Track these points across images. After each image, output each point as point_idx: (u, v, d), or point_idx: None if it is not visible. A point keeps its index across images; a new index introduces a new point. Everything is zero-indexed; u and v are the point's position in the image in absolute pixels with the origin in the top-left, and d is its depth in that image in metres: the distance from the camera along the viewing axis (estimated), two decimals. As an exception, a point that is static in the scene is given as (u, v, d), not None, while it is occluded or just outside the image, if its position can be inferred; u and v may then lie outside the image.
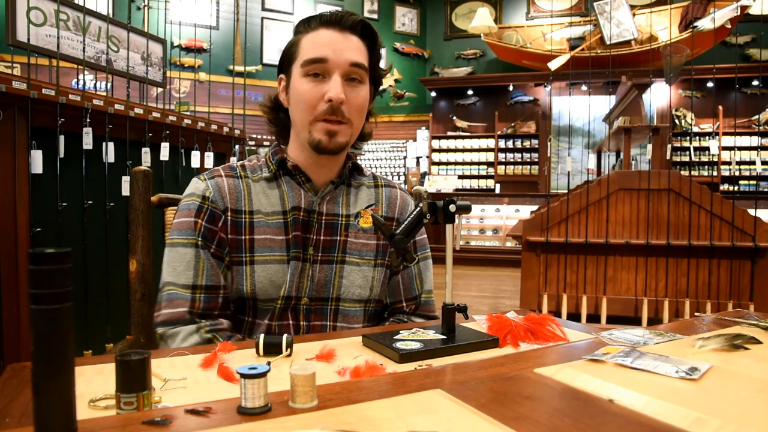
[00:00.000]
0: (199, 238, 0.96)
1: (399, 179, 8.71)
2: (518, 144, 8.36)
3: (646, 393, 0.51)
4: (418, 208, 0.88)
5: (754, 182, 7.25)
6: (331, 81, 0.96)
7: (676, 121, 7.52)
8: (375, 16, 8.82)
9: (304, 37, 0.99)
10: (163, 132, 2.72)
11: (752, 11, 6.55)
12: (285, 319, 0.99)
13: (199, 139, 3.00)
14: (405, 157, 8.81)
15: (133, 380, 0.51)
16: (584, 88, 7.04)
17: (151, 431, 0.43)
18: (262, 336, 0.76)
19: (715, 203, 3.40)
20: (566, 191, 3.91)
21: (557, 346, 0.75)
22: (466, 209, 0.88)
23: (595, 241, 3.51)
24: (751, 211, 3.37)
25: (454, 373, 0.60)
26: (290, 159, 1.03)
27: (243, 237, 0.98)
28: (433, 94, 8.65)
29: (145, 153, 2.62)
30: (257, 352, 0.75)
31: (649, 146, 4.01)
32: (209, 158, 3.01)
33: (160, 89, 3.81)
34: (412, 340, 0.78)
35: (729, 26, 6.63)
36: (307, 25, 1.00)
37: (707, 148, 7.41)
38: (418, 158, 8.76)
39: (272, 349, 0.74)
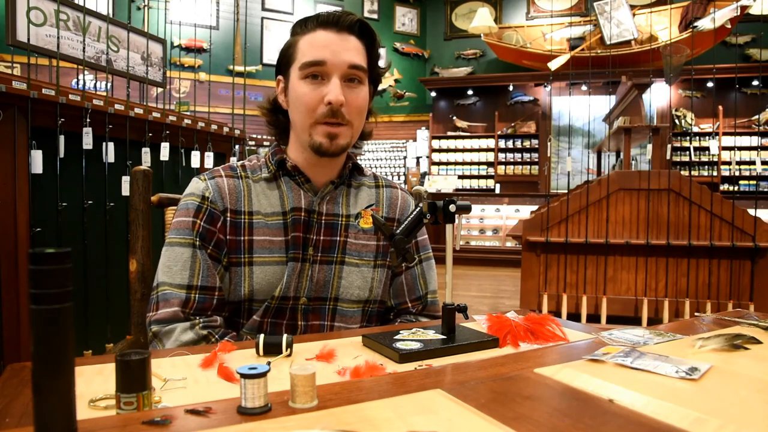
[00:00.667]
0: (197, 239, 0.96)
1: (399, 179, 8.71)
2: (518, 144, 8.36)
3: (646, 393, 0.51)
4: (418, 208, 0.88)
5: (754, 182, 7.24)
6: (330, 83, 0.95)
7: (676, 121, 7.52)
8: (375, 16, 8.82)
9: (301, 38, 0.99)
10: (163, 132, 2.72)
11: (752, 11, 6.55)
12: (280, 318, 0.99)
13: (199, 139, 3.00)
14: (405, 157, 8.81)
15: (133, 380, 0.51)
16: (584, 88, 7.04)
17: (151, 431, 0.43)
18: (262, 336, 0.76)
19: (715, 203, 3.40)
20: (566, 191, 3.91)
21: (557, 346, 0.75)
22: (466, 209, 0.88)
23: (595, 241, 3.51)
24: (751, 211, 3.37)
25: (454, 373, 0.60)
26: (290, 159, 1.03)
27: (242, 238, 0.98)
28: (433, 94, 8.65)
29: (145, 153, 2.62)
30: (257, 352, 0.75)
31: (649, 146, 4.01)
32: (209, 158, 3.01)
33: (160, 89, 3.81)
34: (412, 340, 0.78)
35: (729, 26, 6.63)
36: (304, 26, 0.99)
37: (707, 148, 7.41)
38: (418, 158, 8.76)
39: (272, 349, 0.74)
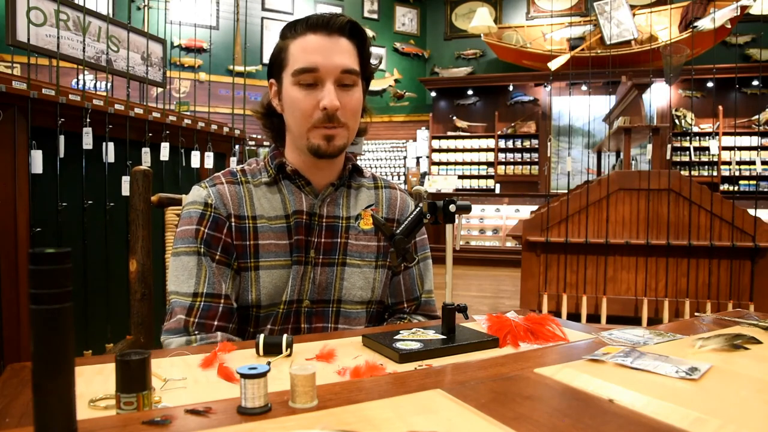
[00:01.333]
0: (202, 246, 0.95)
1: (399, 179, 8.71)
2: (518, 144, 8.36)
3: (646, 393, 0.51)
4: (418, 208, 0.88)
5: (754, 182, 7.24)
6: (324, 89, 0.95)
7: (676, 121, 7.52)
8: (375, 16, 8.82)
9: (291, 42, 0.97)
10: (163, 132, 2.72)
11: (752, 11, 6.55)
12: (287, 323, 0.99)
13: (199, 139, 3.00)
14: (405, 157, 8.81)
15: (133, 380, 0.51)
16: (584, 88, 7.04)
17: (151, 431, 0.43)
18: (262, 336, 0.76)
19: (715, 203, 3.40)
20: (566, 191, 3.91)
21: (557, 346, 0.75)
22: (466, 209, 0.88)
23: (595, 241, 3.51)
24: (751, 211, 3.37)
25: (454, 373, 0.60)
26: (289, 163, 1.03)
27: (247, 243, 0.98)
28: (433, 94, 8.65)
29: (145, 153, 2.62)
30: (257, 352, 0.75)
31: (649, 146, 4.01)
32: (209, 158, 3.01)
33: (160, 89, 3.81)
34: (412, 340, 0.78)
35: (729, 26, 6.63)
36: (293, 29, 0.98)
37: (707, 148, 7.41)
38: (418, 158, 8.76)
39: (272, 349, 0.74)
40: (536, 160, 8.27)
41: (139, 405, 0.51)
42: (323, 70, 0.94)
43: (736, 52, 7.40)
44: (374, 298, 1.06)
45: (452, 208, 0.85)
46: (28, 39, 2.42)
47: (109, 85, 3.43)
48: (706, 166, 7.52)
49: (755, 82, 7.20)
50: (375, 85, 8.67)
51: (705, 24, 6.18)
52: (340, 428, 0.43)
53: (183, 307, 0.93)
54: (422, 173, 8.59)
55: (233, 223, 0.98)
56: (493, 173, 8.41)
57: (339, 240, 1.03)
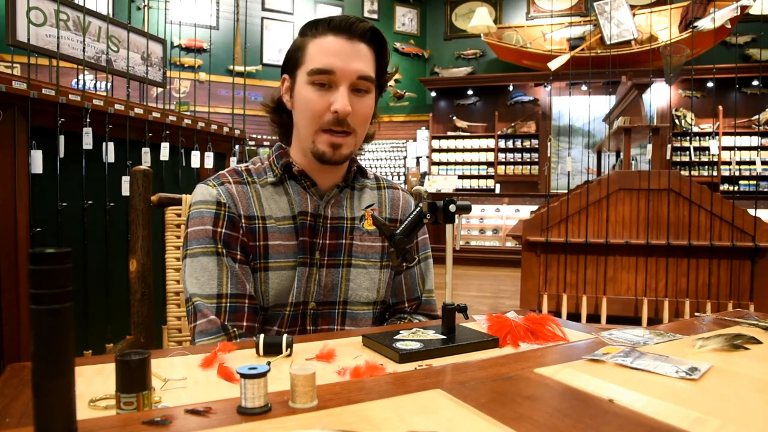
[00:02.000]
0: (222, 246, 0.94)
1: (399, 179, 8.71)
2: (518, 144, 8.36)
3: (646, 393, 0.51)
4: (418, 208, 0.88)
5: (754, 182, 7.24)
6: (337, 92, 0.93)
7: (676, 121, 7.52)
8: (375, 16, 8.82)
9: (311, 41, 0.96)
10: (163, 132, 2.72)
11: (752, 11, 6.55)
12: (294, 326, 0.98)
13: (199, 139, 3.00)
14: (405, 157, 8.81)
15: (133, 380, 0.51)
16: (584, 88, 7.03)
17: (151, 431, 0.43)
18: (262, 336, 0.75)
19: (715, 203, 3.40)
20: (566, 191, 3.91)
21: (557, 346, 0.75)
22: (466, 209, 0.88)
23: (595, 241, 3.51)
24: (751, 211, 3.37)
25: (454, 373, 0.60)
26: (295, 163, 1.02)
27: (258, 243, 0.97)
28: (433, 94, 8.65)
29: (145, 153, 2.62)
30: (257, 352, 0.75)
31: (649, 146, 4.01)
32: (209, 158, 3.01)
33: (160, 89, 3.81)
34: (412, 340, 0.78)
35: (729, 26, 6.63)
36: (314, 28, 0.97)
37: (707, 148, 7.41)
38: (418, 158, 8.76)
39: (272, 349, 0.74)
40: (536, 160, 8.27)
41: (139, 405, 0.51)
42: (339, 73, 0.93)
43: (736, 52, 7.40)
44: (379, 298, 1.06)
45: (452, 208, 0.85)
46: (28, 39, 2.42)
47: (109, 85, 3.43)
48: (706, 166, 7.52)
49: (755, 82, 7.20)
50: (375, 85, 8.65)
51: (705, 24, 6.18)
52: (340, 428, 0.43)
53: (210, 310, 0.91)
54: (422, 173, 8.59)
55: (243, 224, 0.97)
56: (493, 173, 8.41)
57: (344, 241, 1.03)
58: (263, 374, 0.47)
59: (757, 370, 0.59)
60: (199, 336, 0.92)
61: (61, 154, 2.20)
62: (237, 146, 3.34)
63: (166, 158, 2.75)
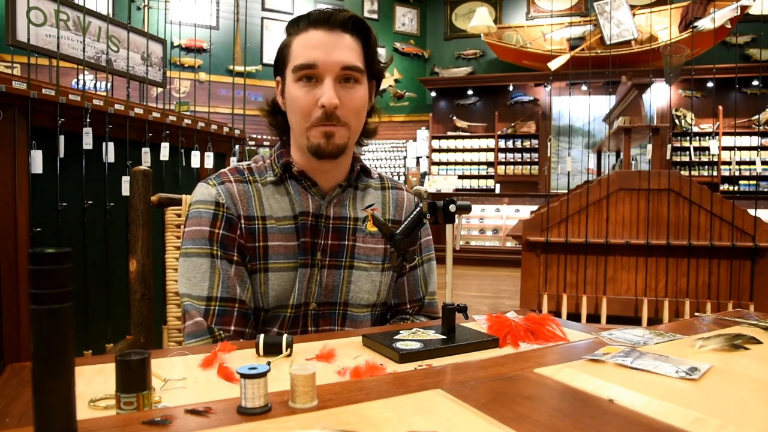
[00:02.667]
0: (218, 248, 0.93)
1: (399, 179, 8.71)
2: (518, 144, 8.36)
3: (646, 393, 0.51)
4: (418, 208, 0.88)
5: (754, 182, 7.24)
6: (323, 86, 0.92)
7: (676, 121, 7.52)
8: (375, 16, 8.82)
9: (294, 38, 0.95)
10: (163, 132, 2.72)
11: (752, 11, 6.55)
12: (295, 327, 0.98)
13: (199, 139, 3.00)
14: (405, 157, 8.81)
15: (133, 380, 0.51)
16: (584, 88, 7.03)
17: (151, 431, 0.43)
18: (262, 336, 0.75)
19: (715, 203, 3.40)
20: (566, 191, 3.91)
21: (557, 346, 0.75)
22: (466, 209, 0.88)
23: (595, 241, 3.51)
24: (751, 211, 3.37)
25: (454, 373, 0.60)
26: (295, 163, 1.01)
27: (257, 244, 0.96)
28: (433, 94, 8.65)
29: (145, 153, 2.62)
30: (257, 352, 0.75)
31: (649, 146, 4.01)
32: (209, 158, 3.01)
33: (160, 89, 3.81)
34: (412, 340, 0.78)
35: (729, 26, 6.63)
36: (296, 25, 0.96)
37: (707, 148, 7.41)
38: (418, 158, 8.76)
39: (272, 349, 0.74)
40: (536, 160, 8.27)
41: (139, 405, 0.51)
42: (322, 66, 0.92)
43: (736, 52, 7.40)
44: (379, 301, 1.05)
45: (452, 208, 0.85)
46: (28, 39, 2.42)
47: (109, 85, 3.43)
48: (706, 166, 7.52)
49: (755, 82, 7.20)
50: (375, 85, 8.65)
51: (705, 24, 6.18)
52: (340, 428, 0.43)
53: (198, 311, 0.91)
54: (422, 173, 8.59)
55: (243, 224, 0.96)
56: (493, 173, 8.41)
57: (346, 242, 1.02)
58: (263, 374, 0.47)
59: (757, 370, 0.59)
60: (186, 338, 0.92)
61: (61, 154, 2.20)
62: (237, 146, 3.34)
63: (166, 158, 2.75)
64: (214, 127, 3.12)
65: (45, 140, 2.13)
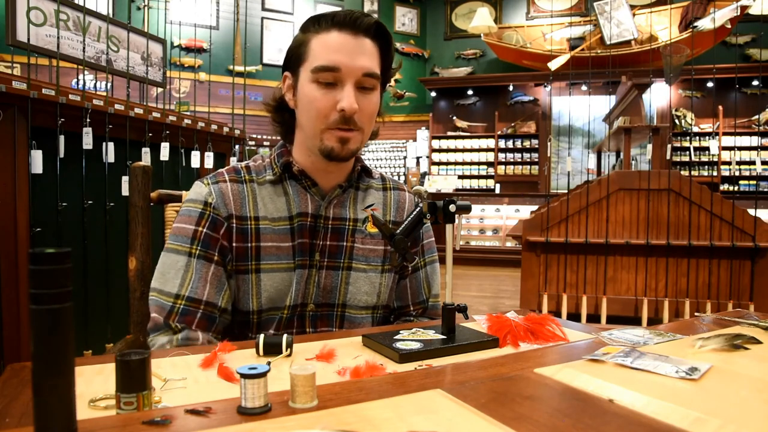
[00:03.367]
0: (199, 247, 0.93)
1: (399, 179, 8.70)
2: (518, 144, 8.36)
3: (646, 393, 0.51)
4: (418, 208, 0.88)
5: (754, 182, 7.24)
6: (343, 90, 0.91)
7: (676, 121, 7.52)
8: (375, 16, 8.79)
9: (314, 37, 0.93)
10: (163, 132, 2.72)
11: (752, 11, 6.55)
12: (290, 327, 0.97)
13: (199, 139, 3.00)
14: (405, 157, 8.81)
15: (133, 380, 0.51)
16: (584, 88, 7.03)
17: (151, 431, 0.43)
18: (262, 336, 0.75)
19: (715, 203, 3.40)
20: (566, 191, 3.91)
21: (557, 346, 0.75)
22: (466, 209, 0.88)
23: (595, 241, 3.51)
24: (751, 211, 3.37)
25: (454, 373, 0.60)
26: (296, 163, 1.00)
27: (249, 244, 0.95)
28: (433, 94, 8.65)
29: (145, 153, 2.62)
30: (257, 352, 0.75)
31: (649, 146, 4.01)
32: (209, 158, 3.01)
33: (160, 89, 3.81)
34: (412, 340, 0.78)
35: (729, 26, 6.63)
36: (317, 24, 0.93)
37: (707, 148, 7.41)
38: (418, 158, 8.76)
39: (272, 349, 0.74)
40: (536, 160, 8.27)
41: (139, 405, 0.51)
42: (345, 70, 0.91)
43: (736, 52, 7.40)
44: (380, 303, 1.04)
45: (452, 208, 0.85)
46: (28, 39, 2.42)
47: (109, 85, 3.43)
48: (706, 166, 7.52)
49: (755, 82, 7.20)
50: (375, 85, 8.66)
51: (705, 24, 6.18)
52: (340, 428, 0.43)
53: (162, 308, 0.91)
54: (422, 173, 8.59)
55: (234, 225, 0.95)
56: (493, 173, 8.41)
57: (345, 243, 1.01)
58: (263, 374, 0.47)
59: (757, 370, 0.59)
60: (148, 332, 0.92)
61: (61, 154, 2.20)
62: (237, 146, 3.34)
63: (166, 158, 2.75)
64: (214, 127, 3.12)
65: (45, 140, 2.13)
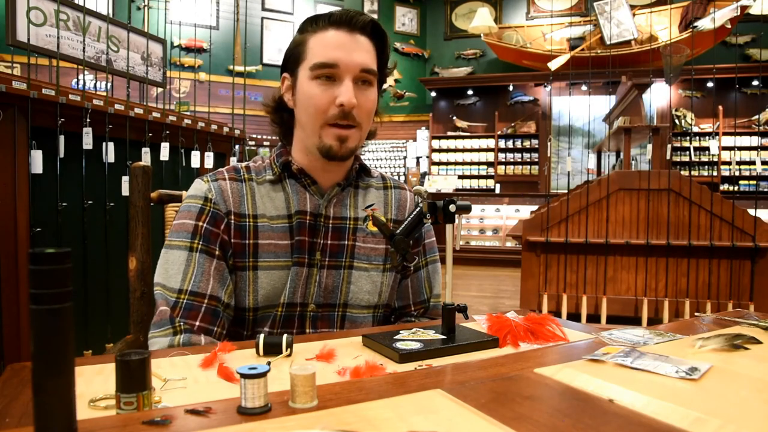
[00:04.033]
0: (200, 242, 0.93)
1: (399, 179, 8.68)
2: (518, 144, 8.36)
3: (646, 393, 0.51)
4: (418, 208, 0.88)
5: (754, 182, 7.24)
6: (342, 85, 0.93)
7: (676, 121, 7.52)
8: (375, 16, 8.77)
9: (311, 37, 0.95)
10: (163, 132, 2.72)
11: (752, 11, 6.55)
12: (289, 327, 0.97)
13: (199, 139, 3.00)
14: (405, 157, 8.81)
15: (133, 380, 0.51)
16: (584, 88, 7.03)
17: (151, 431, 0.43)
18: (262, 336, 0.75)
19: (715, 203, 3.40)
20: (566, 191, 3.91)
21: (557, 346, 0.75)
22: (466, 209, 0.88)
23: (595, 241, 3.51)
24: (751, 211, 3.37)
25: (454, 373, 0.60)
26: (295, 162, 1.01)
27: (247, 241, 0.96)
28: (433, 94, 8.65)
29: (145, 153, 2.62)
30: (257, 352, 0.75)
31: (649, 146, 4.01)
32: (209, 158, 3.01)
33: (160, 89, 3.81)
34: (412, 340, 0.78)
35: (729, 26, 6.63)
36: (314, 24, 0.96)
37: (707, 148, 7.41)
38: (418, 158, 8.76)
39: (272, 349, 0.74)
40: (536, 160, 8.27)
41: (139, 405, 0.51)
42: (343, 66, 0.93)
43: (736, 52, 7.40)
44: (381, 302, 1.04)
45: (452, 208, 0.85)
46: (28, 39, 2.43)
47: (109, 85, 3.43)
48: (706, 166, 7.52)
49: (755, 82, 7.20)
50: (375, 85, 8.67)
51: (705, 24, 6.18)
52: (340, 428, 0.43)
53: (167, 302, 0.91)
54: (422, 173, 8.59)
55: (233, 221, 0.96)
56: (493, 173, 8.41)
57: (346, 242, 1.01)
58: (263, 374, 0.47)
59: (757, 370, 0.59)
60: (151, 327, 0.91)
61: (61, 154, 2.20)
62: (237, 146, 3.34)
63: (166, 158, 2.75)
64: (214, 127, 3.12)
65: (45, 140, 2.13)
